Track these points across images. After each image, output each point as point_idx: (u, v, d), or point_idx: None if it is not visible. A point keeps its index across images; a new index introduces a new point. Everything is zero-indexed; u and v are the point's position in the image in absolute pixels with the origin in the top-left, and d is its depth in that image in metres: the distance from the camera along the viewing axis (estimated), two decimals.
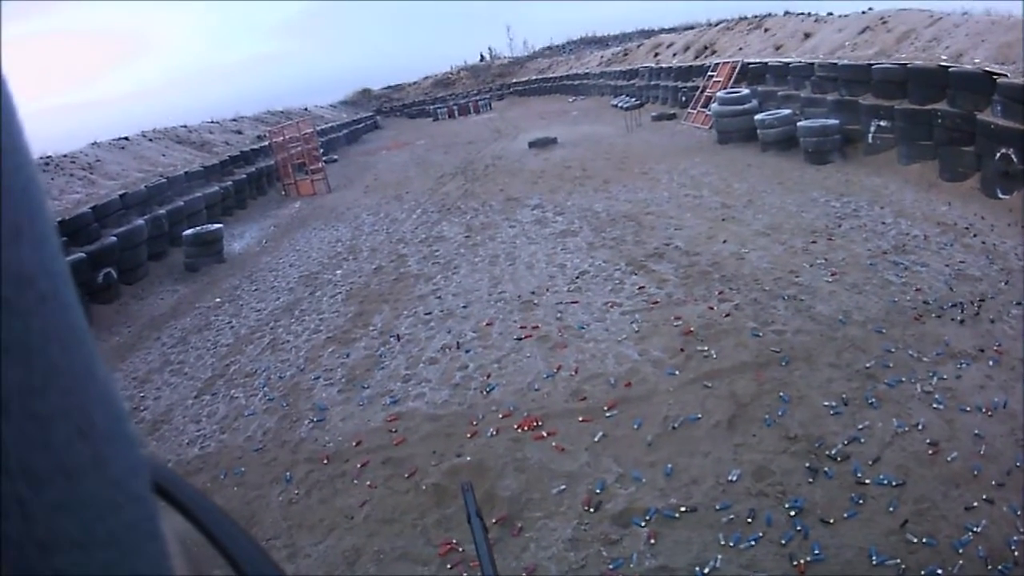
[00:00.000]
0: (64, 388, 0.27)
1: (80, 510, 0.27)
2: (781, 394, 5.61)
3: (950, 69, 11.27)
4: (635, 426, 5.52)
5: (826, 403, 5.39)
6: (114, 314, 11.57)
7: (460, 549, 4.42)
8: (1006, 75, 9.93)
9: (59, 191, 14.15)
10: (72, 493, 0.27)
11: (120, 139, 19.92)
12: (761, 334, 6.70)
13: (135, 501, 0.30)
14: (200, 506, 0.52)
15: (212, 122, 26.78)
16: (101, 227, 13.46)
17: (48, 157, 15.87)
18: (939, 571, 3.71)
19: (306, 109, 38.78)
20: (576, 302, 8.29)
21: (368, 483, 5.38)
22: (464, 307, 8.77)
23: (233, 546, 0.50)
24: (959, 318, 6.46)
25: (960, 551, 3.81)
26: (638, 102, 28.34)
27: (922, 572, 3.72)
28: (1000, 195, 9.67)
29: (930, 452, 4.67)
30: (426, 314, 8.77)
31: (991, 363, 5.65)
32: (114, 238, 13.03)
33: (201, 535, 0.50)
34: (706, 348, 6.57)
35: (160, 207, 16.01)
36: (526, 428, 5.74)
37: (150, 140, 20.85)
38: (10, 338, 0.25)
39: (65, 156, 16.51)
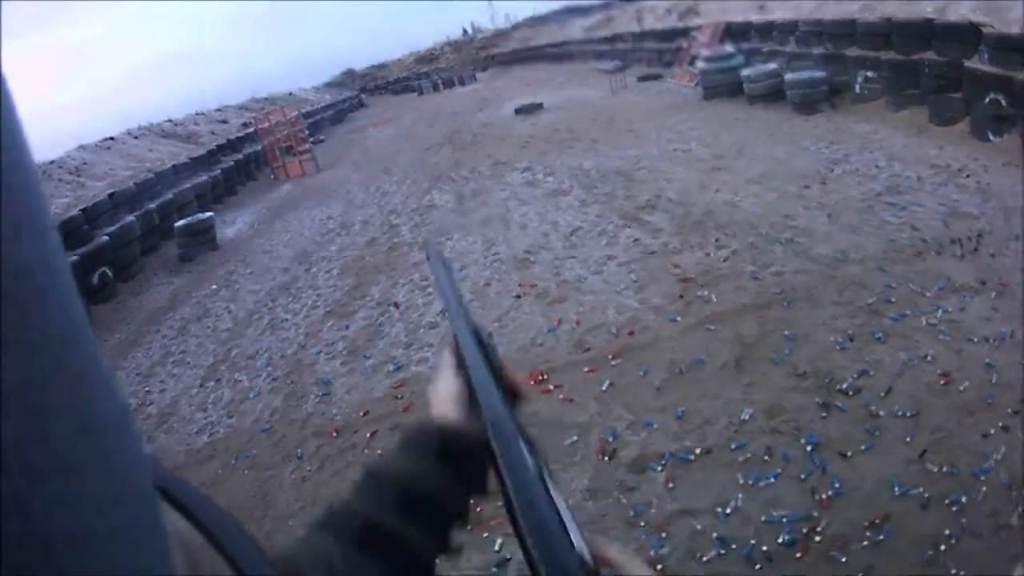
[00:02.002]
0: (64, 383, 0.26)
1: (81, 506, 0.26)
2: (786, 333, 5.59)
3: (935, 21, 11.23)
4: (642, 373, 5.49)
5: (832, 339, 5.36)
6: (112, 312, 11.49)
7: (478, 509, 4.38)
8: (992, 26, 9.86)
9: (48, 197, 14.03)
10: (73, 488, 0.26)
11: (106, 139, 19.86)
12: (760, 277, 6.68)
13: (137, 496, 0.30)
14: (199, 506, 0.52)
15: (198, 114, 26.74)
16: (92, 228, 13.39)
17: None
18: (963, 499, 3.66)
19: (290, 93, 38.69)
20: (573, 257, 8.28)
21: (379, 452, 5.32)
22: (460, 270, 8.69)
23: (232, 546, 0.50)
24: (959, 254, 6.39)
25: (982, 479, 3.77)
26: (622, 65, 28.04)
27: (946, 501, 3.68)
28: (991, 137, 9.61)
29: (941, 382, 4.63)
30: (422, 280, 8.73)
31: (995, 295, 5.59)
32: (106, 237, 12.94)
33: (201, 535, 0.50)
34: (706, 293, 6.56)
35: (150, 202, 15.94)
36: (532, 382, 5.69)
37: (136, 137, 20.78)
38: (9, 333, 0.24)
39: (52, 162, 16.46)
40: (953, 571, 3.27)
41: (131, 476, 0.29)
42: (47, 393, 0.25)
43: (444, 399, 0.87)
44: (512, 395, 0.85)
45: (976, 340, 5.01)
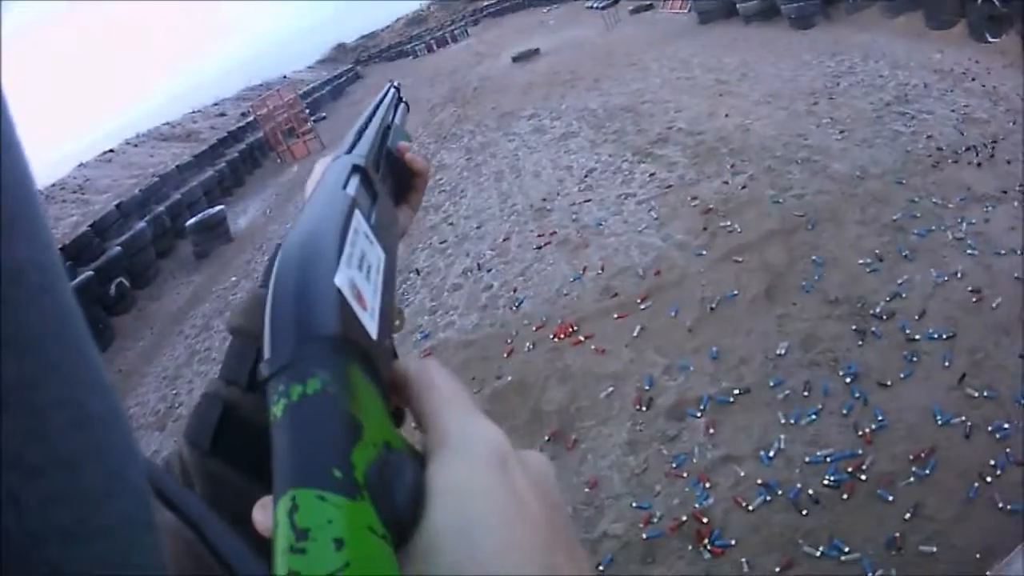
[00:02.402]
0: (59, 379, 0.27)
1: (75, 502, 0.26)
2: (814, 258, 5.43)
3: None
4: (672, 314, 5.35)
5: (860, 261, 5.20)
6: (134, 321, 11.55)
7: None
8: None
9: (54, 219, 14.21)
10: (67, 484, 0.26)
11: (105, 153, 19.89)
12: (782, 200, 6.51)
13: (130, 492, 0.29)
14: (190, 505, 0.49)
15: (194, 112, 26.74)
16: (103, 241, 13.46)
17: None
18: (1005, 425, 3.48)
19: (284, 77, 38.65)
20: (589, 200, 8.15)
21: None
22: (478, 228, 8.69)
23: (222, 544, 0.47)
24: (975, 161, 6.17)
25: (1022, 402, 3.59)
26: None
27: (989, 428, 3.51)
28: (989, 39, 9.36)
29: (974, 300, 4.45)
30: (441, 243, 8.67)
31: (1016, 204, 5.37)
32: (118, 248, 12.95)
33: (191, 533, 0.48)
34: (729, 223, 6.39)
35: (158, 205, 15.97)
36: (562, 336, 5.61)
37: (135, 146, 20.85)
38: (4, 332, 0.25)
39: (54, 185, 16.53)
40: (1000, 504, 3.12)
41: (124, 472, 0.29)
42: (42, 390, 0.25)
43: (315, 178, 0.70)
44: (407, 172, 0.78)
45: (1003, 252, 4.82)
